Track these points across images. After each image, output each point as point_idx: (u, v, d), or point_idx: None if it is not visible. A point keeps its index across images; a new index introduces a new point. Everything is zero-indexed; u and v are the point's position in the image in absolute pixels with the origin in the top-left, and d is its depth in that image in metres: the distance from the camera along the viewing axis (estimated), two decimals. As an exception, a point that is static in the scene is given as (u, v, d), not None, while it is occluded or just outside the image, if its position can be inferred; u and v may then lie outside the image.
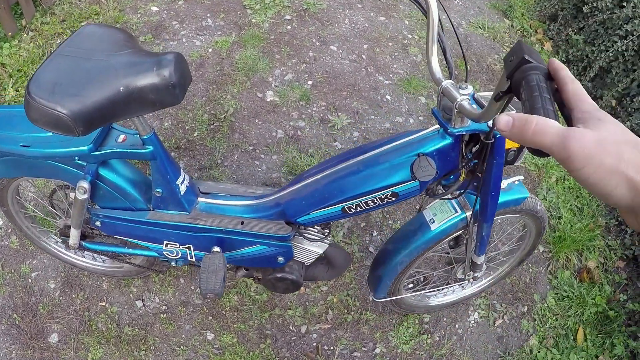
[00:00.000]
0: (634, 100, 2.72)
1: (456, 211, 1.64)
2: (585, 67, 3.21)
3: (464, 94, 1.22)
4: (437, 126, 1.37)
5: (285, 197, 1.55)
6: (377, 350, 2.12)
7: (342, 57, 3.07)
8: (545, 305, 2.33)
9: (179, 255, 1.71)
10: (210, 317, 2.12)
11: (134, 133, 1.49)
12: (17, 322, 2.06)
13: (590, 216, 2.61)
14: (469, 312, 2.27)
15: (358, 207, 1.46)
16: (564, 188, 2.69)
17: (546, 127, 0.55)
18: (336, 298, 2.21)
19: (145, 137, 1.43)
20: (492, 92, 1.31)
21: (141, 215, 1.62)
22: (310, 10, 3.31)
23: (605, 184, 0.52)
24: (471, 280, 1.95)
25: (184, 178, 1.58)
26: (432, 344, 2.16)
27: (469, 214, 1.62)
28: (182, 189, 1.57)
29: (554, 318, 2.29)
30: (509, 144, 1.37)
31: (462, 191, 1.49)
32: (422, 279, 2.09)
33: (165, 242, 1.67)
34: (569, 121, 0.61)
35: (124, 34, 1.40)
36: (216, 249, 1.60)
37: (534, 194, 2.61)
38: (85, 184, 1.50)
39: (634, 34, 2.81)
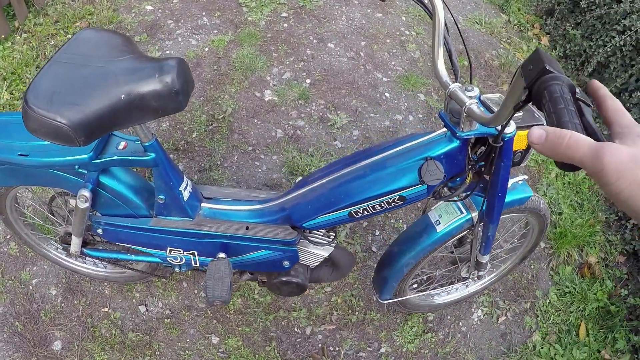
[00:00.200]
0: (633, 95, 2.72)
1: (462, 212, 1.63)
2: (583, 62, 3.20)
3: (471, 97, 1.21)
4: (444, 129, 1.35)
5: (291, 201, 1.54)
6: (382, 350, 2.12)
7: (340, 55, 3.05)
8: (548, 301, 2.33)
9: (183, 261, 1.70)
10: (215, 321, 2.11)
11: (135, 140, 1.47)
12: (19, 330, 2.04)
13: (591, 211, 2.61)
14: (472, 309, 2.27)
15: (365, 212, 1.45)
16: (564, 184, 2.69)
17: (579, 141, 0.55)
18: (340, 299, 2.21)
19: (147, 144, 1.41)
20: (498, 94, 1.31)
21: (144, 222, 1.60)
22: (307, 7, 3.28)
23: (637, 200, 0.51)
24: (475, 278, 1.95)
25: (187, 184, 1.56)
26: (436, 342, 2.16)
27: (474, 214, 1.61)
28: (185, 195, 1.55)
29: (556, 314, 2.30)
30: (516, 146, 1.36)
31: (468, 193, 1.48)
32: (425, 279, 2.08)
33: (168, 248, 1.65)
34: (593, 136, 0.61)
35: (122, 38, 1.36)
36: (221, 254, 1.59)
37: (534, 190, 2.61)
38: (86, 193, 1.48)
39: (632, 29, 2.80)
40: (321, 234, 1.64)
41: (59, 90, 1.21)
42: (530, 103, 0.79)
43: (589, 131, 0.63)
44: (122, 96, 1.21)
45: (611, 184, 0.52)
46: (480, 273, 1.89)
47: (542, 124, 1.33)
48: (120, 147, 1.46)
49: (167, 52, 2.95)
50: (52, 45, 2.97)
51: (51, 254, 2.06)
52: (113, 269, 2.07)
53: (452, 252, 1.89)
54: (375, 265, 1.90)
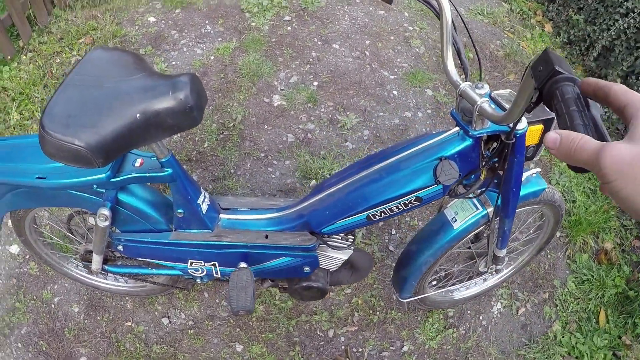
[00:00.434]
0: (639, 78, 2.71)
1: (477, 208, 1.64)
2: (588, 47, 3.19)
3: (481, 95, 1.21)
4: (457, 128, 1.36)
5: (308, 208, 1.55)
6: (405, 348, 2.13)
7: (346, 55, 3.06)
8: (566, 290, 2.33)
9: (204, 273, 1.71)
10: (238, 329, 2.13)
11: (151, 156, 1.48)
12: (44, 349, 2.06)
13: (604, 198, 2.60)
14: (492, 303, 2.27)
15: (383, 214, 1.46)
16: (576, 171, 2.68)
17: (586, 144, 0.56)
18: (361, 300, 2.22)
19: (163, 160, 1.42)
20: (508, 90, 1.31)
21: (164, 236, 1.62)
22: (309, 9, 3.29)
23: (635, 201, 0.52)
24: (493, 272, 1.96)
25: (205, 196, 1.58)
26: (458, 337, 2.17)
27: (489, 210, 1.62)
28: (204, 207, 1.56)
29: (575, 302, 2.30)
30: (528, 141, 1.36)
31: (483, 189, 1.49)
32: (444, 275, 2.09)
33: (189, 260, 1.67)
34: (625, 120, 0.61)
35: (133, 56, 1.37)
36: (242, 264, 1.60)
37: (546, 179, 2.61)
38: (105, 211, 1.49)
39: (635, 11, 2.79)
40: (339, 237, 1.65)
41: (75, 113, 1.22)
42: (541, 103, 0.80)
43: (598, 131, 0.64)
44: (138, 115, 1.22)
45: (610, 182, 0.53)
46: (498, 267, 1.89)
47: (553, 118, 1.34)
48: (137, 164, 1.47)
49: (173, 62, 2.97)
50: (58, 63, 3.00)
51: (72, 272, 2.08)
52: (134, 284, 2.09)
53: (469, 248, 1.90)
54: (394, 264, 1.91)
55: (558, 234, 2.48)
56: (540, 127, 1.35)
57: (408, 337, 2.16)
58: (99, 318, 2.14)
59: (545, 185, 1.67)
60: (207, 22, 3.21)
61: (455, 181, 1.37)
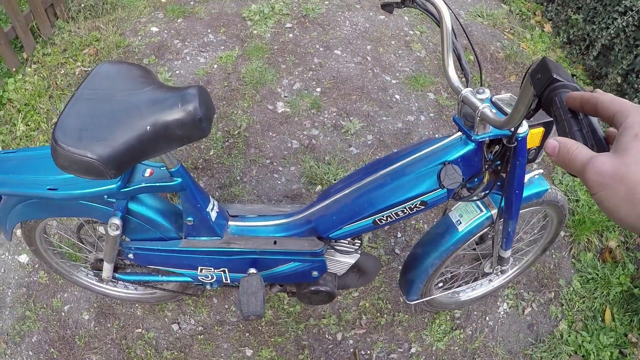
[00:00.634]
0: (639, 76, 2.74)
1: (481, 210, 1.66)
2: (588, 46, 3.21)
3: (482, 99, 1.24)
4: (459, 133, 1.39)
5: (316, 213, 1.58)
6: (413, 350, 2.15)
7: (347, 61, 3.09)
8: (571, 289, 2.35)
9: (214, 279, 1.74)
10: (247, 334, 2.16)
11: (160, 166, 1.51)
12: (55, 357, 2.09)
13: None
14: (498, 303, 2.29)
15: (389, 218, 1.48)
16: (579, 170, 2.70)
17: (578, 154, 0.58)
18: (368, 302, 2.24)
19: (173, 169, 1.45)
20: (509, 94, 1.34)
21: (174, 244, 1.64)
22: (310, 15, 3.33)
23: (618, 211, 0.54)
24: (499, 273, 1.98)
25: (213, 204, 1.61)
26: (465, 338, 2.19)
27: (493, 212, 1.64)
28: (213, 215, 1.59)
29: (580, 301, 2.32)
30: (530, 144, 1.39)
31: (487, 192, 1.51)
32: (450, 277, 2.11)
33: (199, 267, 1.69)
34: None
35: (140, 69, 1.40)
36: (252, 270, 1.63)
37: (549, 179, 2.63)
38: (116, 221, 1.52)
39: (633, 9, 2.81)
40: (347, 242, 1.68)
41: (86, 126, 1.25)
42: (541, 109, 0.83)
43: (596, 137, 0.66)
44: (148, 127, 1.25)
45: (594, 194, 0.56)
46: (503, 267, 1.91)
47: (552, 121, 1.36)
48: (147, 174, 1.50)
49: (177, 72, 3.00)
50: (63, 74, 3.03)
51: (82, 280, 2.10)
52: (144, 291, 2.12)
53: (474, 250, 1.92)
54: (400, 267, 1.93)
55: (562, 233, 2.50)
56: (541, 130, 1.37)
57: (415, 339, 2.18)
58: (109, 325, 2.17)
59: (547, 186, 1.69)
60: (209, 31, 3.25)
61: (459, 185, 1.39)
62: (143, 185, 1.48)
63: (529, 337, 2.23)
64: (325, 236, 1.59)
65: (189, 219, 1.57)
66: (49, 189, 1.46)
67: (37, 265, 2.31)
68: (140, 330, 2.16)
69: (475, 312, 2.26)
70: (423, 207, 1.46)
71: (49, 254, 1.98)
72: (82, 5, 3.34)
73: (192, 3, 3.50)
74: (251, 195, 2.49)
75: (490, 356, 2.16)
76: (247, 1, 3.49)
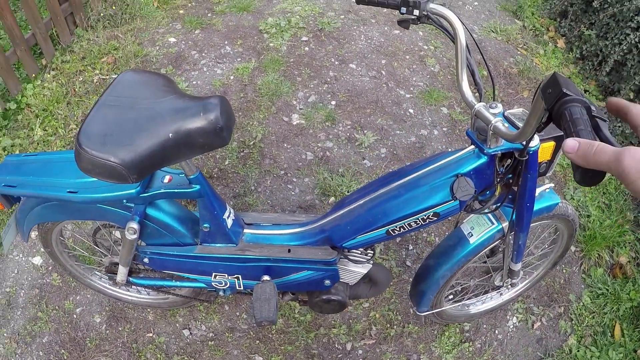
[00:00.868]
0: (652, 92, 2.74)
1: (492, 223, 1.68)
2: (601, 62, 3.23)
3: (495, 114, 1.27)
4: (472, 146, 1.41)
5: (330, 223, 1.61)
6: (422, 362, 2.17)
7: (362, 75, 3.12)
8: (581, 304, 2.35)
9: (227, 285, 1.77)
10: (258, 341, 2.18)
11: (179, 173, 1.54)
12: (65, 358, 2.11)
13: (619, 211, 2.63)
14: (508, 317, 2.30)
15: (402, 229, 1.51)
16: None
17: (605, 148, 0.62)
18: (378, 313, 2.26)
19: (192, 177, 1.48)
20: (521, 109, 1.36)
21: (189, 250, 1.67)
22: (326, 29, 3.37)
23: None
24: (509, 286, 1.99)
25: (230, 212, 1.64)
26: (474, 351, 2.20)
27: (505, 224, 1.66)
28: (229, 222, 1.62)
29: (590, 316, 2.32)
30: (541, 157, 1.41)
31: (498, 205, 1.53)
32: (460, 289, 2.13)
33: (213, 273, 1.72)
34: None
35: (163, 78, 1.44)
36: (265, 277, 1.65)
37: (561, 194, 2.64)
38: (134, 225, 1.56)
39: (646, 26, 2.83)
40: (359, 252, 1.70)
41: (110, 132, 1.28)
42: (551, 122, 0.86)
43: (607, 143, 0.70)
44: (170, 135, 1.28)
45: (632, 182, 0.58)
46: (514, 281, 1.93)
47: (562, 135, 1.39)
48: (166, 180, 1.53)
49: (194, 82, 3.05)
50: (81, 81, 3.08)
51: (95, 284, 2.13)
52: (156, 295, 2.15)
53: (485, 262, 1.93)
54: (411, 279, 1.95)
55: (573, 248, 2.50)
56: (552, 144, 1.40)
57: (425, 351, 2.19)
58: (120, 329, 2.20)
59: (558, 200, 1.71)
60: (226, 42, 3.30)
61: (471, 197, 1.42)
62: (162, 191, 1.51)
63: (537, 352, 2.23)
64: (338, 245, 1.61)
65: (205, 225, 1.60)
66: (68, 191, 1.49)
67: (50, 268, 2.34)
68: (151, 334, 2.19)
69: (484, 325, 2.26)
70: (436, 218, 1.49)
71: (64, 257, 2.01)
72: (102, 14, 3.41)
73: (209, 15, 3.56)
74: (265, 205, 2.52)
75: (499, 370, 2.17)
76: (264, 14, 3.55)
